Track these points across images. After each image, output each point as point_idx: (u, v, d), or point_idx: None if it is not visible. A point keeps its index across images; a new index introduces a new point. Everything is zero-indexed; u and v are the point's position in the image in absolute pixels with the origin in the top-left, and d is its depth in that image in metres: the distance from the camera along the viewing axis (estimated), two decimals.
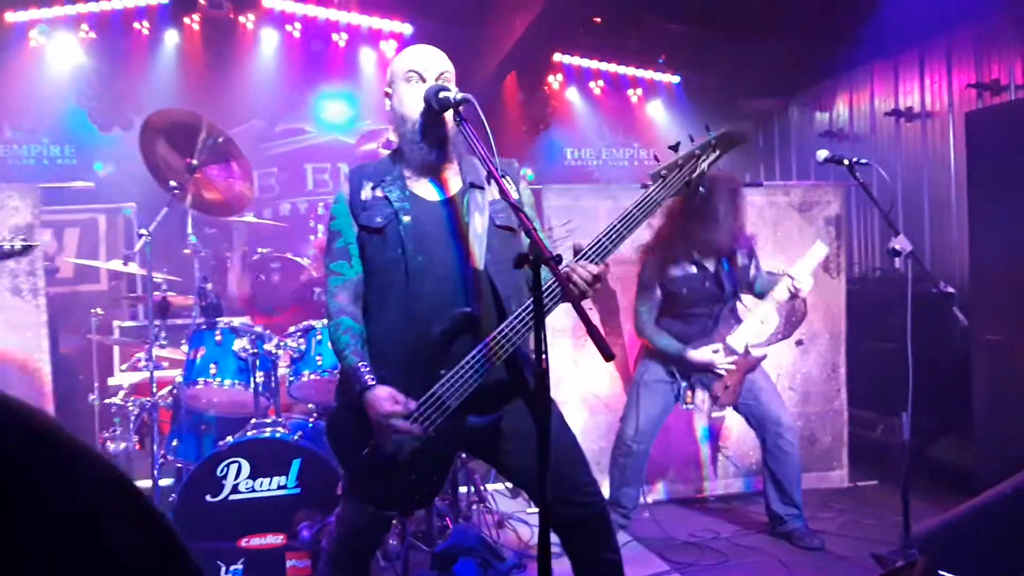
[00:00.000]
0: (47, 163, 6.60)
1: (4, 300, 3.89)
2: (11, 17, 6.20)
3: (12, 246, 2.52)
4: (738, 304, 3.82)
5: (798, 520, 3.75)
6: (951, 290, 3.59)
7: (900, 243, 3.33)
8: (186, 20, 6.71)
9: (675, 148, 2.16)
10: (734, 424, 4.48)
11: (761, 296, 3.74)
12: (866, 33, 5.85)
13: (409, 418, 2.07)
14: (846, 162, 3.49)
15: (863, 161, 3.53)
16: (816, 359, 4.72)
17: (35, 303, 3.98)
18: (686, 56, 7.65)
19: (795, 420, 4.38)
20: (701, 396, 3.71)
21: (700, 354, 3.60)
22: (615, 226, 2.10)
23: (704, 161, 2.17)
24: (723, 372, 3.62)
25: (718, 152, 2.18)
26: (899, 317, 3.30)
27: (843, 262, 4.81)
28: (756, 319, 3.68)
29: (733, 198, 3.59)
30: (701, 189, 3.21)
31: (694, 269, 3.66)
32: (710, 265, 3.67)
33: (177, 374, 3.73)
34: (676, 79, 8.09)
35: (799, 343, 4.70)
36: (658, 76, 8.11)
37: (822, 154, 3.56)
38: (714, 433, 4.59)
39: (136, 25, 6.59)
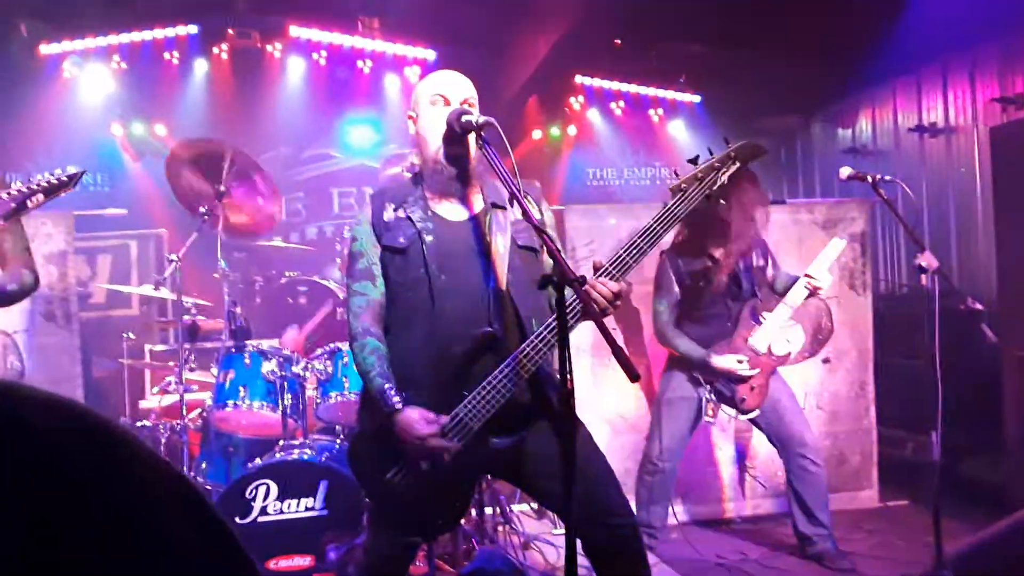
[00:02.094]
0: (80, 191, 6.73)
1: (38, 325, 3.98)
2: (45, 49, 6.38)
3: (59, 179, 2.53)
4: (758, 306, 3.78)
5: (827, 541, 3.70)
6: (979, 307, 3.56)
7: (926, 259, 3.31)
8: (215, 50, 6.86)
9: (694, 161, 2.18)
10: (761, 443, 4.44)
11: (783, 294, 3.72)
12: (888, 49, 5.85)
13: (443, 434, 2.08)
14: (869, 179, 3.48)
15: (887, 178, 3.51)
16: (844, 377, 4.68)
17: (68, 328, 4.06)
18: (706, 75, 7.68)
19: (823, 439, 4.34)
20: (725, 414, 3.68)
21: (723, 361, 3.58)
22: (636, 241, 2.12)
23: (724, 173, 2.19)
24: (747, 376, 3.59)
25: (737, 164, 2.19)
26: (927, 334, 3.27)
27: (869, 279, 4.77)
28: (778, 319, 3.66)
29: (747, 199, 3.58)
30: (721, 201, 3.22)
31: (709, 262, 3.67)
32: (724, 260, 3.68)
33: (207, 397, 3.79)
34: (697, 98, 8.11)
35: (826, 361, 4.66)
36: (679, 96, 8.13)
37: (845, 171, 3.55)
38: (741, 453, 4.55)
39: (166, 55, 6.74)
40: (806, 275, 3.61)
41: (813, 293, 3.62)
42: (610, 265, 2.09)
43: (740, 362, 3.58)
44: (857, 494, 4.65)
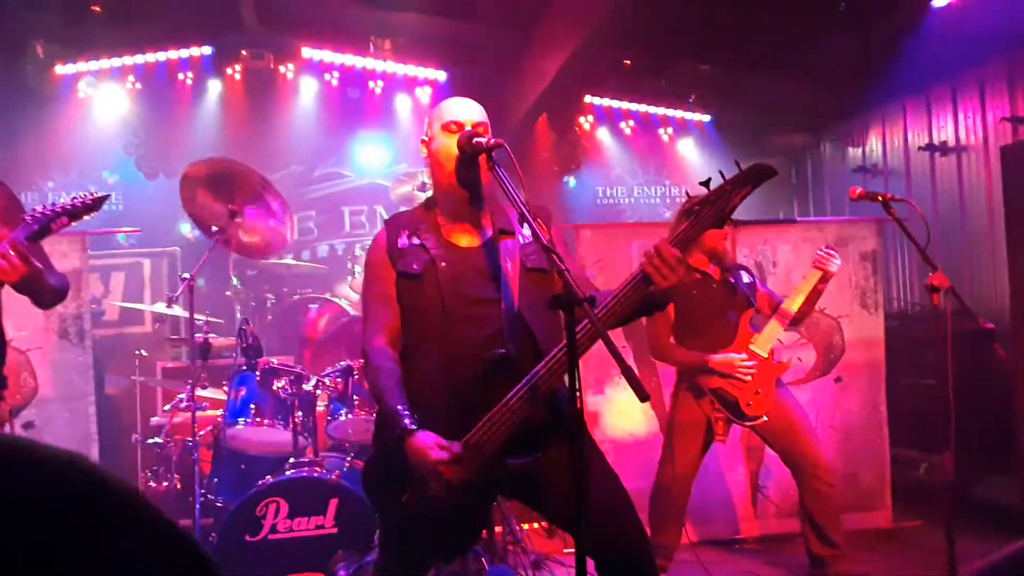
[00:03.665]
0: None
1: (51, 342, 4.01)
2: (60, 69, 6.46)
3: (84, 202, 2.56)
4: (756, 316, 3.77)
5: (840, 562, 3.67)
6: (991, 326, 3.54)
7: (938, 279, 3.30)
8: (228, 71, 6.93)
9: (706, 184, 2.19)
10: (774, 463, 4.41)
11: (778, 304, 3.73)
12: (897, 68, 5.86)
13: (455, 460, 2.08)
14: (880, 198, 3.49)
15: (897, 197, 3.52)
16: (856, 396, 4.66)
17: (81, 346, 4.09)
18: (716, 95, 7.71)
19: (835, 459, 4.31)
20: (736, 423, 3.66)
21: (720, 357, 3.57)
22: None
23: (736, 195, 2.19)
24: (747, 377, 3.57)
25: (749, 186, 2.20)
26: (939, 353, 3.26)
27: (881, 298, 4.76)
28: (777, 326, 3.66)
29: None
30: (732, 222, 3.24)
31: (698, 275, 3.69)
32: (712, 272, 3.71)
33: (218, 414, 3.80)
34: (707, 117, 8.13)
35: (838, 380, 4.64)
36: (688, 115, 8.16)
37: (855, 191, 3.57)
38: (753, 473, 4.53)
39: (180, 76, 6.82)
40: (815, 267, 3.65)
41: (825, 277, 3.66)
42: (627, 287, 2.10)
43: (739, 357, 3.56)
44: (870, 514, 4.61)
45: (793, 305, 3.68)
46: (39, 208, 2.50)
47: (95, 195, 2.58)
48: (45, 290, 2.62)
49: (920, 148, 6.37)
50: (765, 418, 3.59)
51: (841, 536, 3.69)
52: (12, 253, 2.36)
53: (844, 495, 3.85)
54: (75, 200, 2.55)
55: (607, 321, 2.04)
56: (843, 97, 6.93)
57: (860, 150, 7.31)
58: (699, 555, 4.03)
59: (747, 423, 3.63)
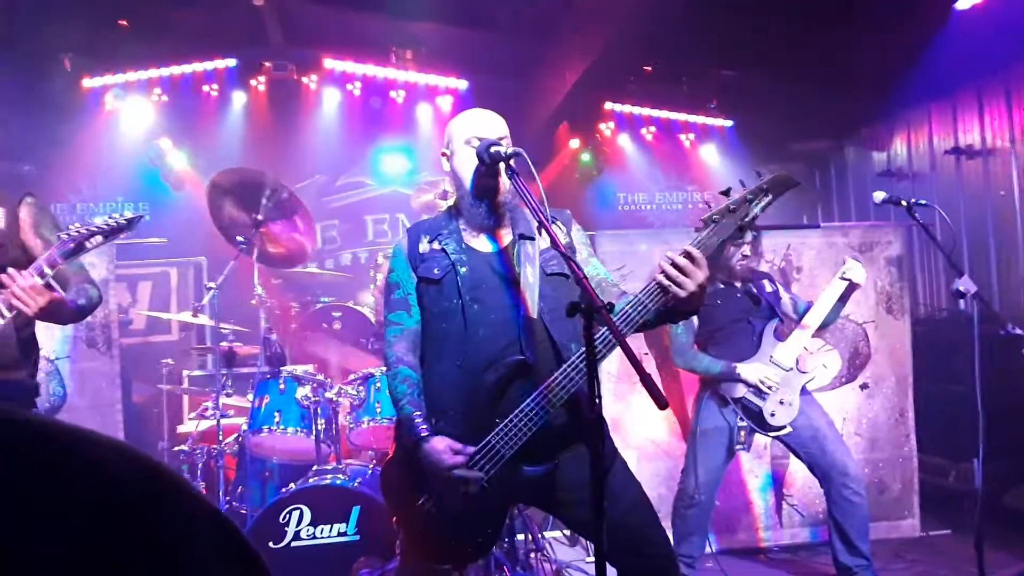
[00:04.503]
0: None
1: (80, 351, 4.07)
2: (88, 83, 6.57)
3: (118, 222, 2.60)
4: (780, 326, 3.74)
5: (867, 572, 3.62)
6: (1020, 331, 3.48)
7: (965, 284, 3.27)
8: (252, 82, 7.02)
9: (727, 193, 2.18)
10: (799, 471, 4.37)
11: (804, 315, 3.70)
12: (921, 72, 5.80)
13: (468, 464, 2.09)
14: (905, 203, 3.45)
15: (923, 202, 3.48)
16: (882, 403, 4.60)
17: (109, 354, 4.15)
18: (738, 100, 7.67)
19: (862, 467, 4.26)
20: (758, 431, 3.63)
21: (750, 369, 3.55)
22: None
23: (756, 205, 2.18)
24: (772, 388, 3.55)
25: (771, 196, 2.19)
26: (967, 359, 3.21)
27: (907, 303, 4.71)
28: (802, 336, 3.62)
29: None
30: (751, 232, 3.22)
31: (722, 286, 3.67)
32: (737, 284, 3.68)
33: (243, 422, 3.83)
34: (728, 123, 8.10)
35: (864, 387, 4.59)
36: (710, 120, 8.13)
37: (879, 196, 3.53)
38: (778, 481, 4.49)
39: (205, 88, 6.91)
40: (841, 277, 3.61)
41: (851, 287, 3.63)
42: (643, 294, 2.10)
43: (766, 365, 3.55)
44: (898, 523, 4.55)
45: (816, 317, 3.64)
46: (75, 227, 2.54)
47: (130, 215, 2.62)
48: (65, 316, 2.67)
49: (946, 152, 6.30)
50: (790, 428, 3.56)
51: (869, 546, 3.64)
52: (31, 287, 2.40)
53: (870, 503, 3.79)
54: (110, 220, 2.58)
55: (624, 327, 2.04)
56: (866, 101, 6.87)
57: (884, 154, 7.24)
58: (723, 564, 4.00)
59: (771, 433, 3.60)
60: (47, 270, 2.45)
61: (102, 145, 6.76)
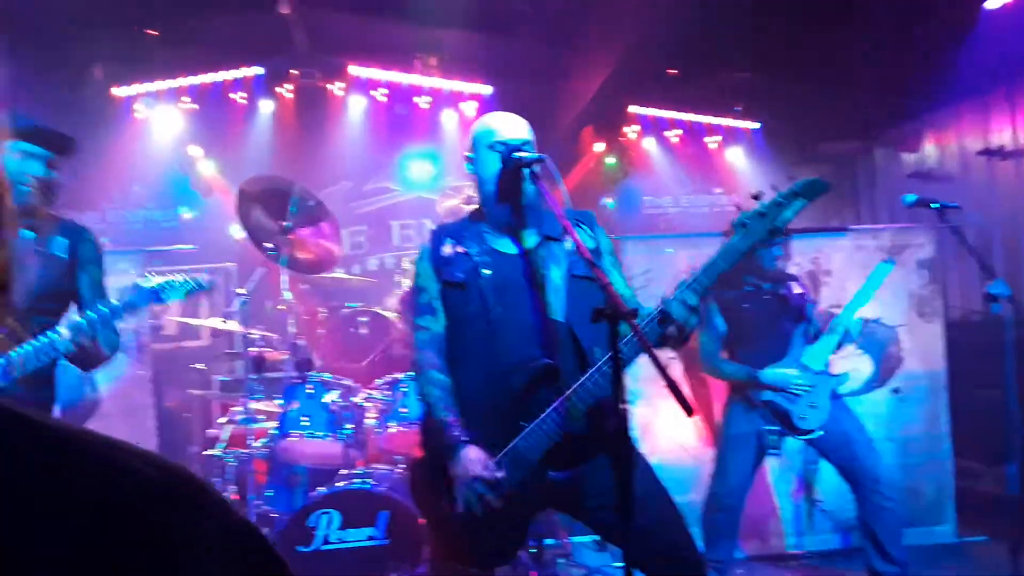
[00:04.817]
0: (152, 227, 7.02)
1: (113, 357, 4.13)
2: (118, 91, 6.68)
3: (199, 283, 2.67)
4: (809, 329, 3.68)
5: None
6: None
7: (998, 287, 3.21)
8: (279, 90, 7.10)
9: (757, 197, 2.17)
10: (830, 476, 4.31)
11: (831, 316, 3.66)
12: (951, 72, 5.72)
13: (493, 489, 2.09)
14: (935, 206, 3.41)
15: (953, 204, 3.43)
16: (916, 408, 4.53)
17: (141, 359, 4.21)
18: (764, 102, 7.61)
19: (895, 472, 4.20)
20: (789, 436, 3.58)
21: (773, 375, 3.51)
22: (698, 276, 2.12)
23: (788, 210, 2.16)
24: (799, 392, 3.50)
25: (802, 200, 2.17)
26: (1001, 362, 3.16)
27: (939, 306, 4.64)
28: (831, 339, 3.57)
29: None
30: (783, 236, 3.18)
31: (750, 288, 3.62)
32: (767, 285, 3.62)
33: (272, 426, 3.87)
34: (755, 125, 8.04)
35: (896, 391, 4.53)
36: (736, 123, 8.07)
37: (910, 198, 3.49)
38: (809, 486, 4.43)
39: (233, 96, 7.00)
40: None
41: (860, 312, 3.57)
42: (684, 287, 2.09)
43: (790, 372, 3.50)
44: (933, 529, 4.48)
45: (845, 322, 3.59)
46: (143, 280, 2.60)
47: (195, 278, 2.73)
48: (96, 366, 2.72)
49: (977, 153, 6.20)
50: (820, 432, 3.52)
51: (903, 552, 3.58)
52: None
53: (905, 508, 3.74)
54: (192, 283, 2.68)
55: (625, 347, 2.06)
56: (896, 102, 6.78)
57: (914, 156, 7.15)
58: (754, 570, 3.96)
59: (800, 437, 3.56)
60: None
61: (132, 153, 6.86)
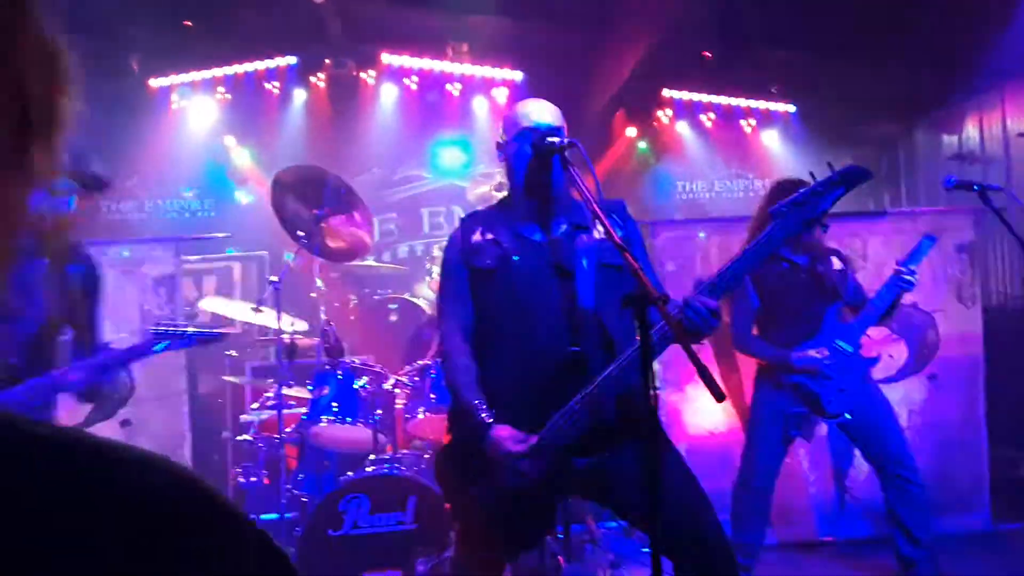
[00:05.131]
0: (188, 216, 7.14)
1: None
2: (154, 83, 6.78)
3: (212, 334, 2.77)
4: (844, 308, 3.60)
5: (931, 564, 3.50)
6: None
7: None
8: (312, 79, 7.15)
9: (797, 185, 2.14)
10: (861, 463, 4.25)
11: (861, 303, 3.55)
12: (994, 50, 5.56)
13: (531, 453, 2.09)
14: (977, 188, 3.32)
15: (995, 186, 3.35)
16: (952, 394, 4.45)
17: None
18: (801, 84, 7.47)
19: (930, 459, 4.14)
20: (819, 419, 3.52)
21: (802, 355, 3.45)
22: (732, 265, 2.10)
23: (827, 199, 2.12)
24: (830, 375, 3.43)
25: (842, 189, 2.12)
26: None
27: (978, 291, 4.54)
28: (866, 319, 3.49)
29: None
30: (823, 225, 3.10)
31: (786, 265, 3.55)
32: (801, 261, 3.55)
33: (303, 412, 3.92)
34: (791, 108, 7.89)
35: (932, 377, 4.44)
36: (772, 106, 7.93)
37: (950, 181, 3.41)
38: (840, 472, 4.38)
39: (267, 85, 7.06)
40: (896, 270, 3.43)
41: (901, 292, 3.43)
42: (706, 287, 2.07)
43: (820, 353, 3.43)
44: (967, 516, 4.39)
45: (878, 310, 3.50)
46: (163, 325, 2.68)
47: (216, 330, 2.82)
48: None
49: (1020, 134, 6.03)
50: (848, 416, 3.46)
51: (931, 537, 3.52)
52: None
53: (939, 496, 3.68)
54: (201, 332, 2.75)
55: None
56: (936, 82, 6.61)
57: (955, 137, 6.97)
58: (784, 557, 3.93)
59: (827, 419, 3.50)
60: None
61: (169, 143, 6.96)
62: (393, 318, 4.97)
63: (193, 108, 6.97)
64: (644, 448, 1.99)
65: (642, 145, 8.00)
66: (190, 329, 2.72)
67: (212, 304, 4.76)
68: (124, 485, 0.44)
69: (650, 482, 1.80)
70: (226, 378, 4.79)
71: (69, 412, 3.84)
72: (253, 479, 4.07)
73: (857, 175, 2.07)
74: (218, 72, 6.91)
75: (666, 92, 7.74)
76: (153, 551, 0.43)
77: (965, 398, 4.44)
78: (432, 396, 3.63)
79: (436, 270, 4.86)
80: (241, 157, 7.14)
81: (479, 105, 7.36)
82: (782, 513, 4.27)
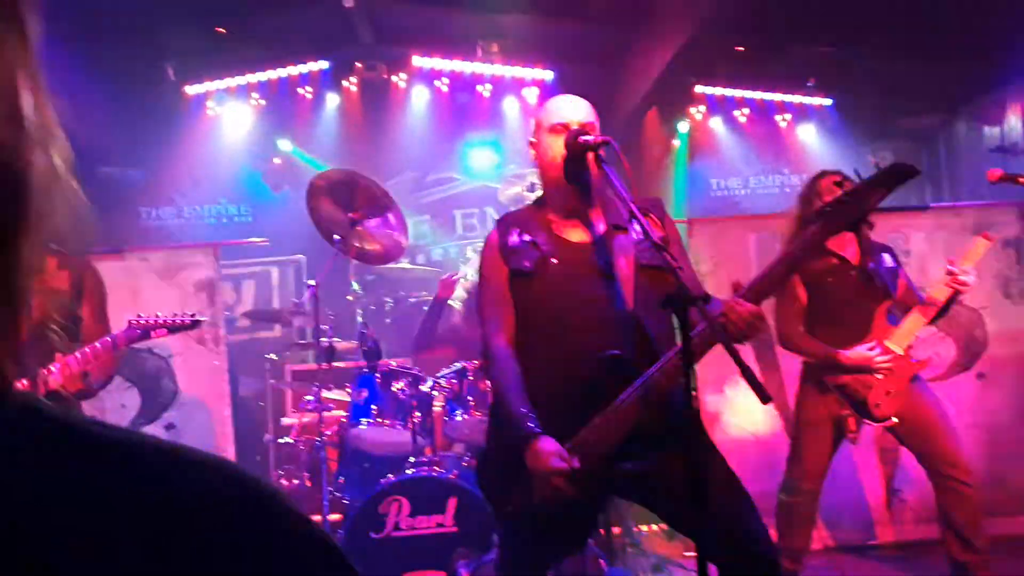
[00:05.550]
0: (225, 221, 7.23)
1: (190, 349, 4.27)
2: (190, 90, 6.87)
3: (183, 320, 2.85)
4: (894, 307, 3.50)
5: (983, 569, 3.41)
6: None
7: None
8: (345, 83, 7.20)
9: (840, 184, 2.10)
10: (910, 465, 4.16)
11: (914, 302, 3.45)
12: None
13: (571, 477, 2.06)
14: (1022, 180, 3.23)
15: None
16: (1002, 393, 4.34)
17: (217, 351, 4.34)
18: (837, 77, 7.34)
19: (980, 460, 4.03)
20: (865, 423, 3.44)
21: (853, 353, 3.36)
22: (775, 267, 2.07)
23: (873, 197, 2.07)
24: (881, 374, 3.35)
25: (887, 187, 2.07)
26: None
27: None
28: (918, 320, 3.39)
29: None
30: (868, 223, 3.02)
31: (835, 260, 3.46)
32: (852, 257, 3.47)
33: (343, 415, 3.94)
34: (828, 101, 7.76)
35: (981, 376, 4.34)
36: (808, 100, 7.81)
37: (995, 173, 3.32)
38: (889, 474, 4.29)
39: (300, 90, 7.12)
40: (948, 271, 3.33)
41: (956, 293, 3.34)
42: (747, 290, 2.03)
43: (872, 350, 3.34)
44: (1019, 518, 4.28)
45: (930, 311, 3.39)
46: (143, 316, 2.80)
47: (194, 318, 2.90)
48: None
49: None
50: (894, 420, 3.37)
51: (985, 540, 3.42)
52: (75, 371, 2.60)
53: (990, 497, 3.58)
54: (176, 317, 2.86)
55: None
56: (978, 72, 6.46)
57: (997, 129, 6.80)
58: (831, 560, 3.87)
59: (874, 422, 3.42)
60: (107, 353, 2.67)
61: (205, 149, 7.06)
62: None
63: (228, 114, 7.06)
64: (688, 451, 1.96)
65: (675, 142, 7.93)
66: (164, 318, 2.84)
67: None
68: (185, 486, 0.44)
69: (695, 486, 1.77)
70: (267, 381, 4.85)
71: (115, 416, 3.92)
72: (295, 481, 4.11)
73: (903, 172, 2.02)
74: (252, 78, 6.99)
75: (699, 88, 7.66)
76: (216, 551, 0.43)
77: (1015, 396, 4.33)
78: (470, 399, 3.63)
79: (470, 272, 4.87)
80: (276, 162, 7.21)
81: (510, 105, 7.35)
82: (829, 516, 4.19)
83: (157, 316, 2.82)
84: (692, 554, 3.92)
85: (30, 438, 0.43)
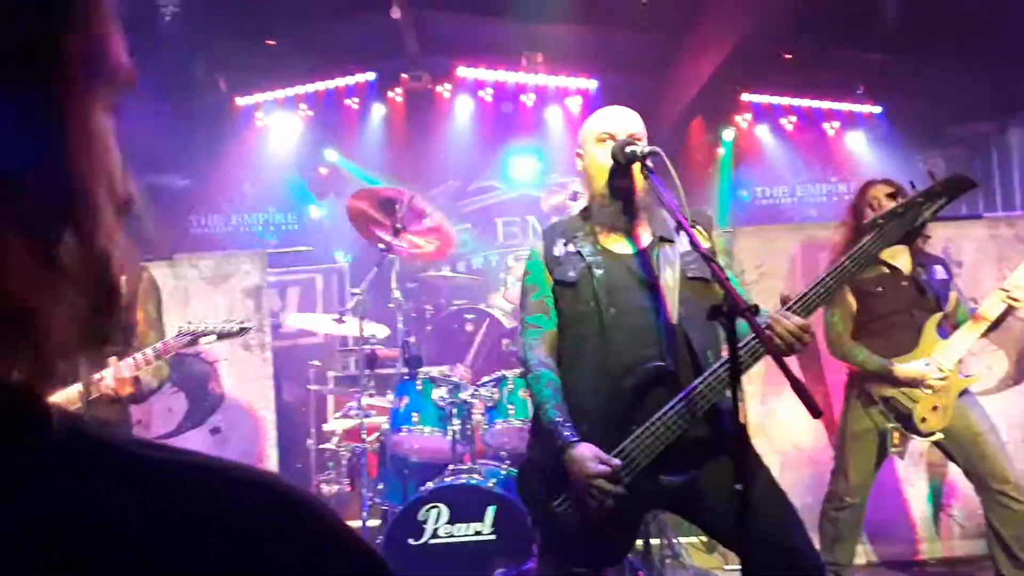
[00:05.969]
0: (272, 229, 7.36)
1: (236, 355, 4.34)
2: (240, 101, 7.04)
3: (231, 330, 2.91)
4: (945, 320, 3.41)
5: None
6: None
7: None
8: (390, 94, 7.31)
9: (893, 195, 2.07)
10: (960, 479, 4.05)
11: (965, 318, 3.36)
12: None
13: (613, 478, 2.06)
14: None
15: None
16: None
17: (262, 357, 4.40)
18: (887, 84, 7.22)
19: None
20: (911, 439, 3.35)
21: (907, 367, 3.28)
22: (824, 279, 2.04)
23: (928, 210, 2.04)
24: (931, 389, 3.26)
25: (944, 199, 2.03)
26: None
27: None
28: (969, 334, 3.29)
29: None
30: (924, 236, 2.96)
31: (886, 269, 3.39)
32: (903, 267, 3.39)
33: (384, 421, 3.97)
34: (877, 109, 7.63)
35: None
36: (856, 107, 7.69)
37: None
38: (937, 489, 4.18)
39: (347, 101, 7.25)
40: (1002, 288, 3.25)
41: (1010, 309, 3.25)
42: (796, 303, 2.01)
43: (927, 365, 3.26)
44: None
45: (982, 325, 3.30)
46: (192, 323, 2.87)
47: (242, 325, 2.95)
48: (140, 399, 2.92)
49: None
50: (940, 435, 3.29)
51: None
52: (125, 380, 2.66)
53: None
54: (224, 325, 2.91)
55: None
56: None
57: None
58: (876, 575, 3.78)
59: (919, 437, 3.34)
60: (157, 358, 2.74)
61: (253, 159, 7.21)
62: (469, 328, 5.01)
63: (276, 125, 7.20)
64: (733, 465, 1.94)
65: (721, 151, 7.86)
66: (213, 326, 2.89)
67: (296, 319, 4.90)
68: (231, 507, 0.44)
69: (741, 501, 1.75)
70: (310, 387, 4.91)
71: (162, 420, 4.01)
72: (336, 487, 4.15)
73: (960, 184, 1.98)
74: (300, 90, 7.14)
75: (745, 96, 7.59)
76: (266, 571, 0.43)
77: None
78: (510, 407, 3.63)
79: (511, 280, 4.87)
80: (323, 172, 7.33)
81: (553, 115, 7.37)
82: (875, 530, 4.10)
83: (206, 323, 2.89)
84: (732, 567, 3.87)
85: (76, 465, 0.43)
